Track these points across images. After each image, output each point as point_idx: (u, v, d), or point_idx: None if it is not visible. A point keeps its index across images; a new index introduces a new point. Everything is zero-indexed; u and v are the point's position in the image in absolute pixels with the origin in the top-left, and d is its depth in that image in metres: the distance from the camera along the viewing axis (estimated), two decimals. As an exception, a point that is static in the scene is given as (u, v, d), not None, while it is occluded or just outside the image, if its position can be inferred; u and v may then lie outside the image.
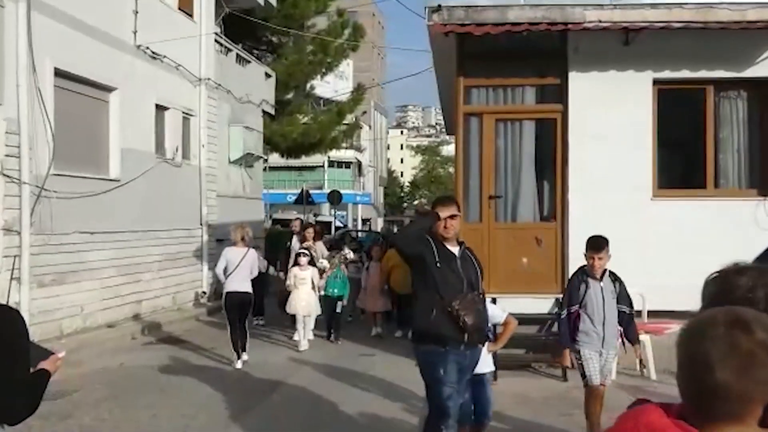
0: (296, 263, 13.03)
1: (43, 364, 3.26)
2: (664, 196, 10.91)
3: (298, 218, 18.51)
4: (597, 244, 7.01)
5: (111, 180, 14.25)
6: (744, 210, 10.56)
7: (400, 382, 9.72)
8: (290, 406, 8.96)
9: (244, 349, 11.22)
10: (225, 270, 11.28)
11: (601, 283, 7.04)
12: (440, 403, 5.71)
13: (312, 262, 13.12)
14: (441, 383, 5.68)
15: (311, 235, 14.77)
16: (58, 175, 12.45)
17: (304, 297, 12.70)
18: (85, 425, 8.04)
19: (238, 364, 11.06)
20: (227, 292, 11.27)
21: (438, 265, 5.69)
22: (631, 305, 7.23)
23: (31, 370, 3.25)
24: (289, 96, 28.32)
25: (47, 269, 12.24)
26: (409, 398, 8.93)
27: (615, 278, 7.15)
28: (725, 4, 10.45)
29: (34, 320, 11.37)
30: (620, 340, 7.31)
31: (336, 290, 13.59)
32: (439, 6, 10.68)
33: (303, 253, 13.07)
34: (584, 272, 7.13)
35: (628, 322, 7.21)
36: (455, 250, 5.86)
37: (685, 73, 10.89)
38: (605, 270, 7.10)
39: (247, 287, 11.30)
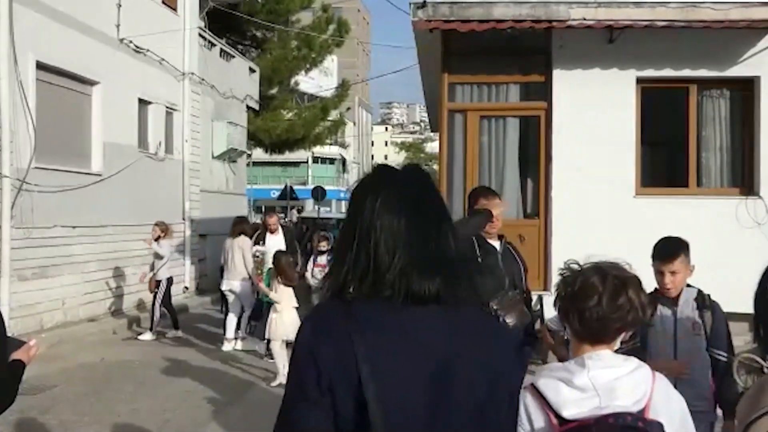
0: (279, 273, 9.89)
1: (17, 354, 3.22)
2: (647, 194, 10.96)
3: (273, 214, 13.94)
4: (666, 251, 4.39)
5: (93, 174, 14.17)
6: (726, 208, 10.62)
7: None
8: (271, 401, 8.94)
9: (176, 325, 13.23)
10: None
11: (677, 309, 4.39)
12: None
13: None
14: None
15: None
16: (40, 168, 12.36)
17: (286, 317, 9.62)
18: (66, 420, 7.98)
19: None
20: (168, 278, 13.32)
21: (479, 260, 5.24)
22: (730, 349, 4.38)
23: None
24: (274, 91, 28.26)
25: (28, 263, 12.15)
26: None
27: (705, 304, 4.42)
28: (708, 3, 10.50)
29: (14, 314, 11.30)
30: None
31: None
32: (424, 2, 10.68)
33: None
34: (654, 295, 4.34)
35: (725, 375, 4.18)
36: (496, 244, 5.51)
37: (669, 72, 10.93)
38: (685, 289, 4.44)
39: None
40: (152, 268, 13.38)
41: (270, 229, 12.70)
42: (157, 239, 13.23)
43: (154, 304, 13.15)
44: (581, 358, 2.37)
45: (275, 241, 12.32)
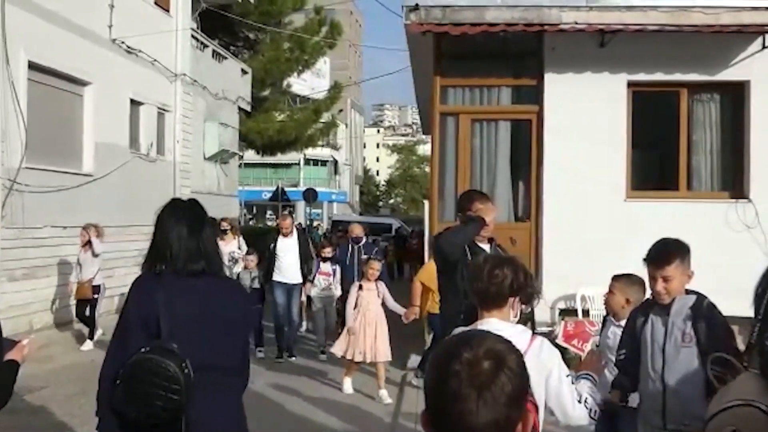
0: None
1: (11, 355, 3.22)
2: (638, 197, 10.99)
3: (287, 216, 12.99)
4: (658, 256, 4.01)
5: (84, 174, 14.14)
6: (716, 212, 10.64)
7: (367, 388, 9.69)
8: (257, 401, 8.93)
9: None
10: None
11: (670, 318, 3.99)
12: None
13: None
14: None
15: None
16: (31, 168, 12.33)
17: None
18: (55, 421, 7.97)
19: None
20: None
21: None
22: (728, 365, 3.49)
23: None
24: (266, 93, 28.26)
25: (18, 263, 12.12)
26: (375, 408, 8.92)
27: (700, 313, 3.93)
28: (699, 7, 10.54)
29: (3, 315, 11.20)
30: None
31: None
32: (417, 5, 10.69)
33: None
34: (649, 302, 4.24)
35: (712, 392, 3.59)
36: (486, 247, 5.47)
37: (660, 76, 10.96)
38: (680, 297, 4.01)
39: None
40: (79, 275, 12.29)
41: (283, 232, 11.70)
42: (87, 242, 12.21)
43: (93, 310, 12.24)
44: (476, 323, 3.17)
45: (288, 245, 11.56)
